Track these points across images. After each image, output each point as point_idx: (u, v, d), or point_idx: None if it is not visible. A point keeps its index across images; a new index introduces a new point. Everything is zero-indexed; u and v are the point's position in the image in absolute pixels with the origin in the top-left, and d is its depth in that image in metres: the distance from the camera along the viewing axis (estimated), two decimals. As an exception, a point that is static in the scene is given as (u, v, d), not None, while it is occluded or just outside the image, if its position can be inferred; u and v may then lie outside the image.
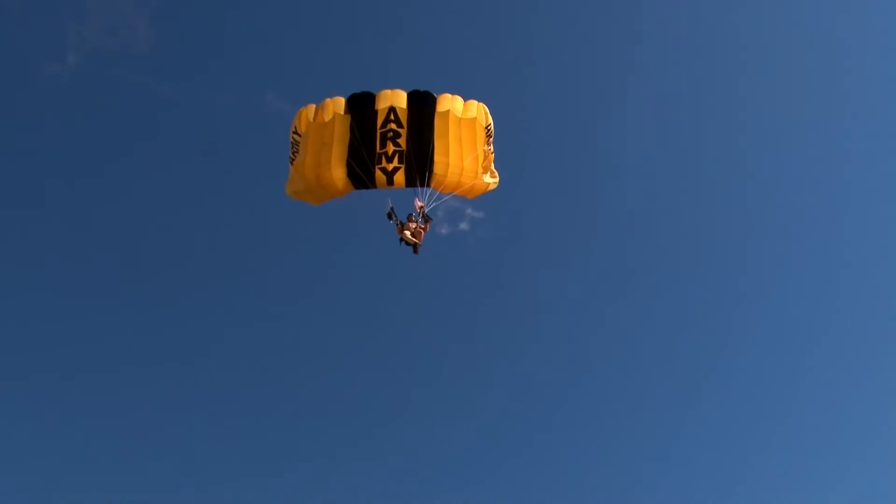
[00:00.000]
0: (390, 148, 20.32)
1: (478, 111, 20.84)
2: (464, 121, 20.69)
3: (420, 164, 20.45)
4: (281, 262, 49.43)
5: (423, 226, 21.18)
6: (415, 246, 20.98)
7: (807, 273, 48.29)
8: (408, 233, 20.93)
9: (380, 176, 20.38)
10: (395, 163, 20.35)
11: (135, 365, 44.86)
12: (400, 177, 20.45)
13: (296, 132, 20.78)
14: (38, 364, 43.20)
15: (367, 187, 20.65)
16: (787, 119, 50.85)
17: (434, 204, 21.29)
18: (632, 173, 51.31)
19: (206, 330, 47.17)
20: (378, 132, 20.34)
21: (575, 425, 45.07)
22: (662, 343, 47.93)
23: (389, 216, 21.05)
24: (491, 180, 21.54)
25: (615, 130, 52.20)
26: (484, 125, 20.88)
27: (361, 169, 20.26)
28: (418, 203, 20.99)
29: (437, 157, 20.55)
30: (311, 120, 20.44)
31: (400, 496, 41.53)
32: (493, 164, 21.39)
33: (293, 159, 21.00)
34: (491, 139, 21.03)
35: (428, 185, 20.94)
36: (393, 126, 20.36)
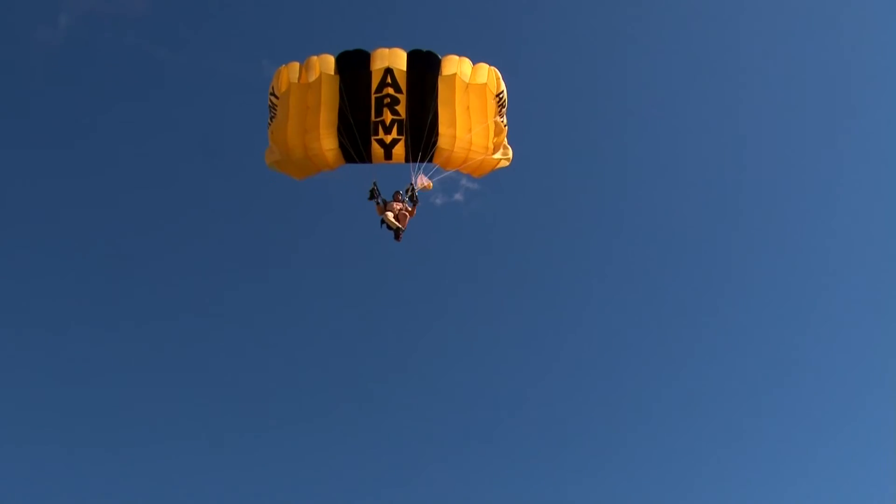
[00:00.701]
0: (388, 116, 17.36)
1: (488, 76, 17.86)
2: (472, 86, 17.72)
3: (422, 136, 17.55)
4: (268, 233, 46.85)
5: (409, 208, 18.20)
6: (397, 231, 17.88)
7: (798, 273, 46.55)
8: (390, 214, 17.84)
9: (377, 149, 17.44)
10: (394, 134, 17.40)
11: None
12: (400, 150, 17.53)
13: (273, 94, 17.69)
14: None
15: (360, 161, 17.76)
16: (784, 116, 48.64)
17: (425, 183, 18.34)
18: (636, 151, 48.90)
19: (187, 303, 44.58)
20: (373, 97, 17.35)
21: (565, 402, 43.20)
22: (656, 325, 46.20)
23: (372, 194, 18.16)
24: (502, 157, 18.65)
25: (622, 106, 49.65)
26: (495, 93, 17.90)
27: (354, 140, 17.36)
28: (423, 181, 18.03)
29: (441, 129, 17.62)
30: (294, 80, 17.32)
31: (394, 477, 39.73)
32: (505, 139, 18.48)
33: (271, 125, 17.97)
34: (503, 109, 18.08)
35: (430, 161, 18.05)
36: (390, 90, 17.38)
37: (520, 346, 45.03)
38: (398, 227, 17.83)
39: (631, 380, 44.44)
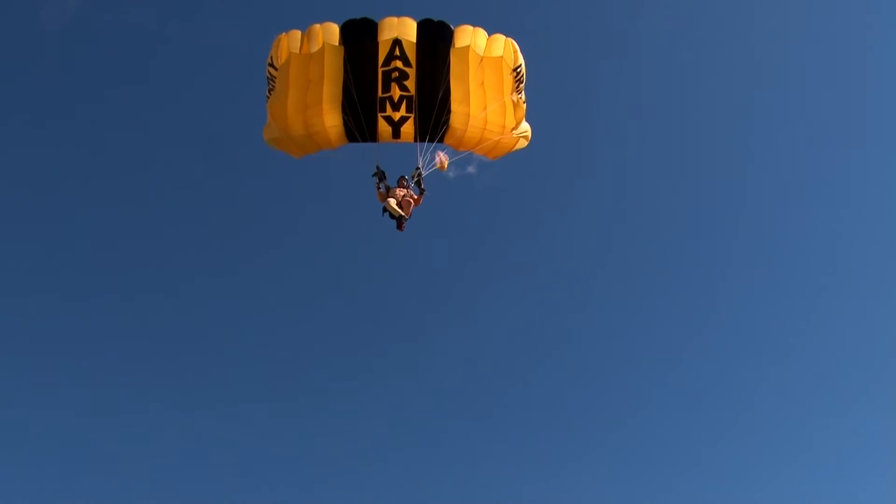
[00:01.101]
0: (396, 92, 15.99)
1: (505, 48, 16.47)
2: (487, 60, 16.34)
3: (432, 113, 16.20)
4: (270, 214, 45.66)
5: (414, 196, 16.75)
6: (399, 219, 16.39)
7: (799, 272, 45.35)
8: (392, 201, 16.33)
9: (384, 127, 16.07)
10: (403, 111, 16.03)
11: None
12: (409, 129, 16.15)
13: (272, 64, 16.31)
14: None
15: (365, 140, 16.42)
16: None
17: (432, 168, 16.96)
18: (657, 124, 47.10)
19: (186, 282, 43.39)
20: (380, 71, 16.02)
21: (573, 382, 42.03)
22: (665, 305, 44.82)
23: (377, 177, 16.87)
24: (521, 136, 17.28)
25: (643, 79, 47.61)
26: (512, 67, 16.52)
27: (358, 118, 16.02)
28: (442, 158, 16.69)
29: (453, 106, 16.25)
30: (295, 50, 15.96)
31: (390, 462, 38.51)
32: (525, 118, 17.11)
33: (270, 98, 16.64)
34: (521, 85, 16.69)
35: (440, 141, 16.71)
36: (398, 64, 16.03)
37: (529, 330, 43.86)
38: (401, 216, 16.38)
39: (645, 358, 43.20)
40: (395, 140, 16.39)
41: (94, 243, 42.92)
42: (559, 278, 45.17)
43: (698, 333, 44.14)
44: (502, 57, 16.43)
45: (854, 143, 46.07)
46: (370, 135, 16.30)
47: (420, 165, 16.80)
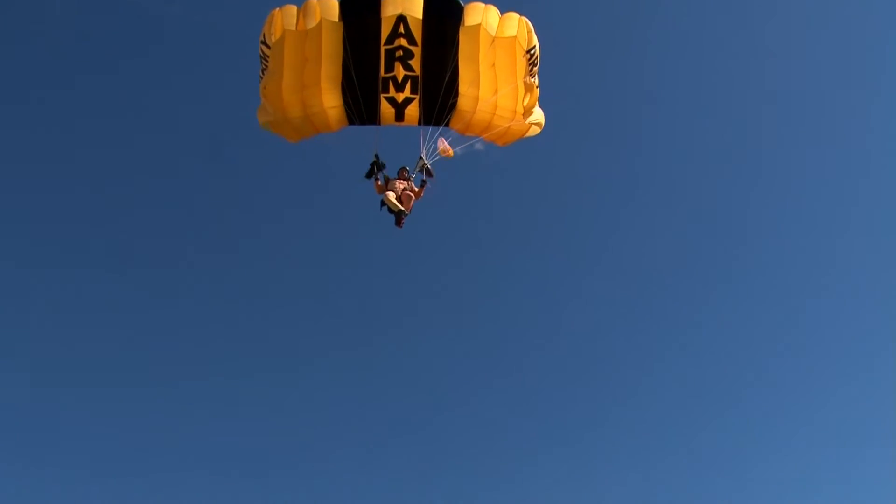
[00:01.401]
0: (400, 72, 14.94)
1: (518, 28, 15.34)
2: (499, 40, 15.21)
3: (438, 96, 15.13)
4: (269, 198, 44.67)
5: (415, 188, 15.66)
6: (399, 214, 15.32)
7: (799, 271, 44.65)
8: (391, 195, 15.29)
9: (386, 109, 15.02)
10: (407, 92, 14.99)
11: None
12: (413, 111, 15.12)
13: (265, 42, 15.19)
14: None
15: (364, 123, 15.39)
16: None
17: (437, 157, 15.83)
18: (672, 101, 46.15)
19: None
20: (382, 49, 14.93)
21: (579, 365, 41.78)
22: (666, 297, 44.17)
23: (371, 171, 15.73)
24: (533, 123, 16.13)
25: (660, 58, 46.33)
26: (526, 48, 15.37)
27: (358, 99, 14.98)
28: (444, 145, 15.54)
29: (461, 88, 15.20)
30: (291, 27, 14.81)
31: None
32: (538, 103, 15.96)
33: (263, 78, 15.51)
34: (535, 68, 15.56)
35: (447, 126, 15.62)
36: (403, 42, 14.94)
37: (539, 315, 43.28)
38: (400, 210, 15.32)
39: (646, 352, 42.77)
40: (397, 123, 15.38)
41: (91, 234, 42.38)
42: (561, 270, 44.56)
43: (699, 331, 43.85)
44: (515, 37, 15.29)
45: (854, 144, 45.54)
46: (371, 117, 15.27)
47: (423, 154, 15.74)
